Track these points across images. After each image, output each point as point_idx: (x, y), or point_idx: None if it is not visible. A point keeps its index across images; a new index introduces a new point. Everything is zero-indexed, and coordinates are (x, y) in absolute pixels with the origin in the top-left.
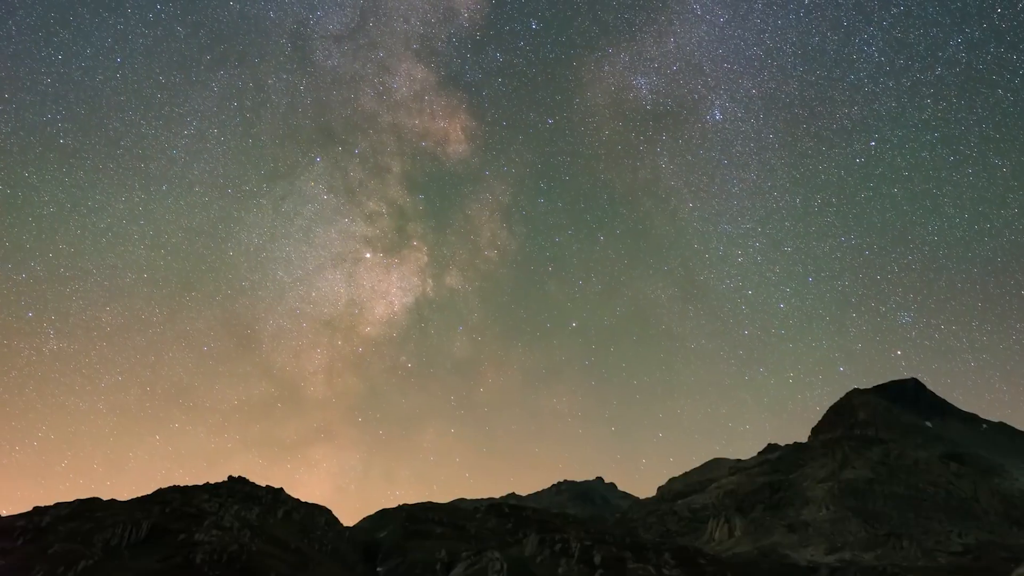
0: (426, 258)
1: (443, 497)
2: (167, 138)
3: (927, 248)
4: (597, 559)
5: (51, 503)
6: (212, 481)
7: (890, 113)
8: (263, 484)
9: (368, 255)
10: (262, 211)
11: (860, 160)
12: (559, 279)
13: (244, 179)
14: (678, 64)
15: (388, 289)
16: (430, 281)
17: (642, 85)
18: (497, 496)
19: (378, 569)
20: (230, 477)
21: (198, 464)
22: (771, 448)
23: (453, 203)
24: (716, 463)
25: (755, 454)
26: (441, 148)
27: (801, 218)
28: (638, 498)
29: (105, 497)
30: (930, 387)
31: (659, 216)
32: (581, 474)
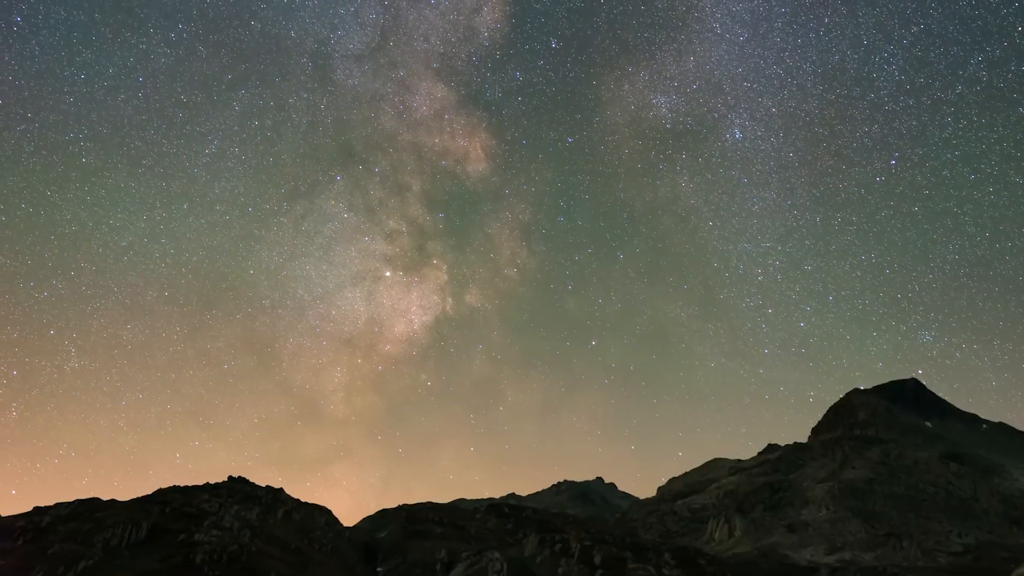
0: (446, 276)
1: (443, 497)
2: (188, 157)
3: (948, 267)
4: (597, 559)
5: (51, 503)
6: (212, 481)
7: (910, 131)
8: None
9: (388, 273)
10: (282, 230)
11: (880, 179)
12: (578, 297)
13: (265, 198)
14: (698, 83)
15: (408, 307)
16: (450, 299)
17: (662, 104)
18: (497, 496)
19: (378, 569)
20: (230, 477)
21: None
22: (771, 448)
23: (473, 222)
24: (716, 463)
25: (755, 454)
26: (461, 167)
27: (821, 237)
28: (638, 498)
29: (105, 497)
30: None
31: (679, 235)
32: (581, 474)
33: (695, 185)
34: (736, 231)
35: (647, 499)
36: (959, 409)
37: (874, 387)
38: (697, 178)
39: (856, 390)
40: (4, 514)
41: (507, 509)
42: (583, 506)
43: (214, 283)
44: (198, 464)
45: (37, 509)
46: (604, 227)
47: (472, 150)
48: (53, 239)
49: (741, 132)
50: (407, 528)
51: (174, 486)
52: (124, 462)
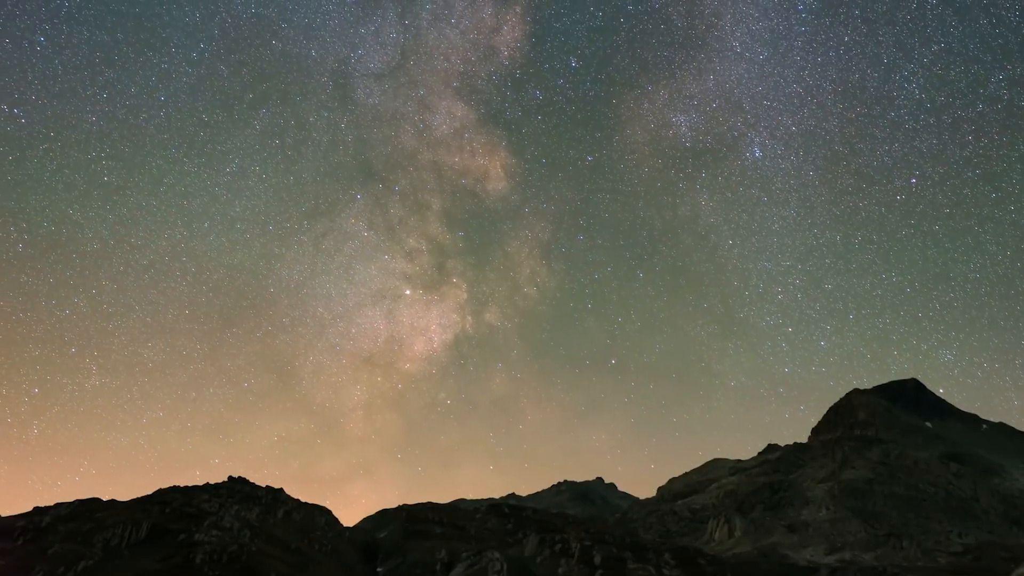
0: (465, 295)
1: (443, 497)
2: (209, 175)
3: (969, 286)
4: (597, 559)
5: (51, 503)
6: (212, 482)
7: (931, 150)
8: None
9: (408, 292)
10: (303, 248)
11: (901, 197)
12: (598, 316)
13: (285, 216)
14: (718, 101)
15: (428, 326)
16: (469, 318)
17: (681, 122)
18: (497, 496)
19: (378, 569)
20: (230, 477)
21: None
22: (771, 448)
23: (492, 240)
24: (716, 463)
25: (755, 454)
26: (481, 185)
27: (842, 255)
28: (638, 498)
29: (105, 497)
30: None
31: (699, 253)
32: (581, 474)
33: (715, 204)
34: (756, 250)
35: (647, 499)
36: (959, 409)
37: (874, 387)
38: (717, 197)
39: (856, 390)
40: (4, 514)
41: (507, 509)
42: (583, 506)
43: (234, 301)
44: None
45: (37, 509)
46: (624, 246)
47: (492, 169)
48: (75, 257)
49: (761, 151)
50: (407, 528)
51: (174, 486)
52: (144, 479)
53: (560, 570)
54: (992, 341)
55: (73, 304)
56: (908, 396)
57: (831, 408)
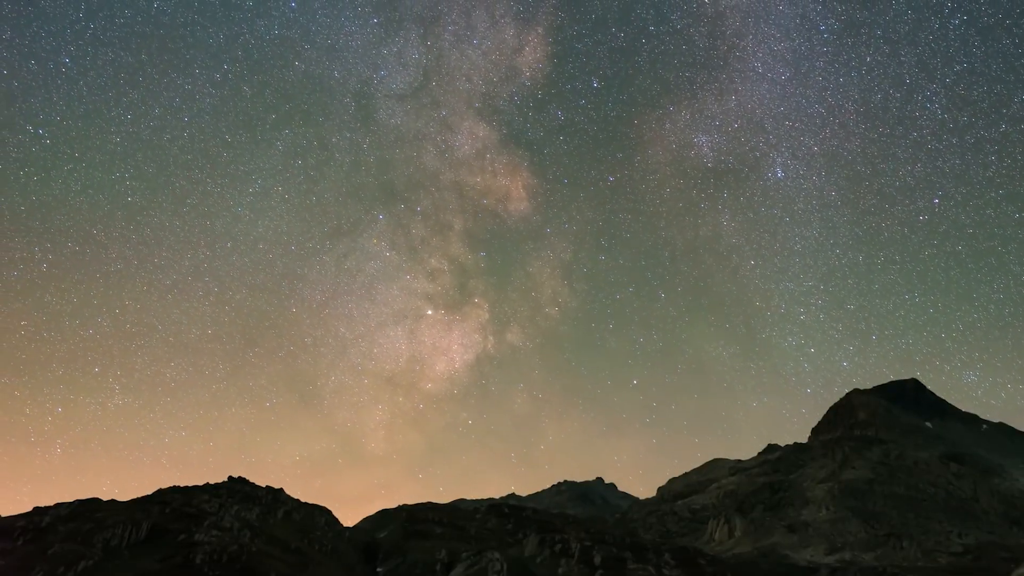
0: (487, 315)
1: (443, 497)
2: (232, 196)
3: (992, 306)
4: (597, 559)
5: (51, 503)
6: (212, 482)
7: (954, 170)
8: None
9: (430, 312)
10: (325, 268)
11: (924, 217)
12: (620, 336)
13: (307, 236)
14: (739, 122)
15: (449, 346)
16: (491, 338)
17: (703, 143)
18: (497, 496)
19: (378, 569)
20: (230, 477)
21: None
22: (771, 448)
23: (514, 260)
24: (716, 463)
25: (755, 454)
26: (502, 205)
27: (864, 275)
28: (638, 498)
29: (105, 497)
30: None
31: (720, 273)
32: (581, 474)
33: (737, 224)
34: (778, 270)
35: (647, 499)
36: (959, 409)
37: (874, 387)
38: (739, 217)
39: (856, 390)
40: (4, 514)
41: (507, 509)
42: (583, 506)
43: (257, 321)
44: None
45: (37, 509)
46: (645, 266)
47: (514, 189)
48: (99, 277)
49: (783, 171)
50: (407, 528)
51: (174, 486)
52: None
53: (560, 570)
54: (1017, 362)
55: (97, 324)
56: (908, 396)
57: (831, 408)
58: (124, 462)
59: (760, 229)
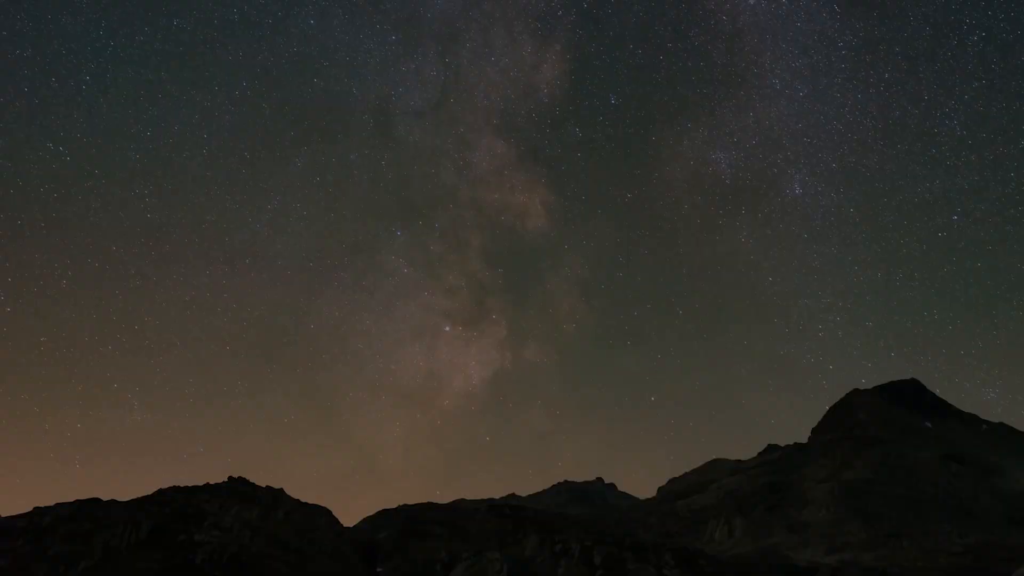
0: (505, 332)
1: (443, 497)
2: (251, 212)
3: (1012, 324)
4: (597, 560)
5: (51, 503)
6: (212, 482)
7: (973, 187)
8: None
9: (447, 328)
10: (343, 285)
11: (943, 234)
12: (638, 353)
13: (326, 253)
14: (757, 138)
15: (467, 362)
16: (509, 355)
17: (721, 159)
18: (497, 496)
19: (378, 569)
20: (230, 477)
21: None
22: (771, 448)
23: (532, 277)
24: (716, 463)
25: (755, 454)
26: (520, 222)
27: (883, 293)
28: (638, 498)
29: (105, 497)
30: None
31: (739, 290)
32: (581, 474)
33: (755, 241)
34: (796, 287)
35: (647, 499)
36: (959, 409)
37: (874, 387)
38: (757, 233)
39: (856, 390)
40: (4, 514)
41: (507, 509)
42: (583, 506)
43: (276, 337)
44: None
45: (37, 509)
46: (663, 283)
47: (531, 205)
48: (118, 294)
49: (801, 187)
50: (407, 528)
51: (174, 486)
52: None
53: (560, 571)
54: None
55: (115, 340)
56: (908, 396)
57: (831, 408)
58: (130, 467)
59: (778, 246)
